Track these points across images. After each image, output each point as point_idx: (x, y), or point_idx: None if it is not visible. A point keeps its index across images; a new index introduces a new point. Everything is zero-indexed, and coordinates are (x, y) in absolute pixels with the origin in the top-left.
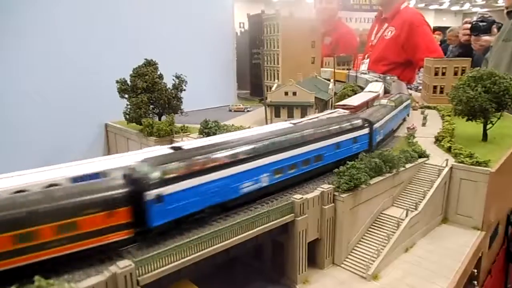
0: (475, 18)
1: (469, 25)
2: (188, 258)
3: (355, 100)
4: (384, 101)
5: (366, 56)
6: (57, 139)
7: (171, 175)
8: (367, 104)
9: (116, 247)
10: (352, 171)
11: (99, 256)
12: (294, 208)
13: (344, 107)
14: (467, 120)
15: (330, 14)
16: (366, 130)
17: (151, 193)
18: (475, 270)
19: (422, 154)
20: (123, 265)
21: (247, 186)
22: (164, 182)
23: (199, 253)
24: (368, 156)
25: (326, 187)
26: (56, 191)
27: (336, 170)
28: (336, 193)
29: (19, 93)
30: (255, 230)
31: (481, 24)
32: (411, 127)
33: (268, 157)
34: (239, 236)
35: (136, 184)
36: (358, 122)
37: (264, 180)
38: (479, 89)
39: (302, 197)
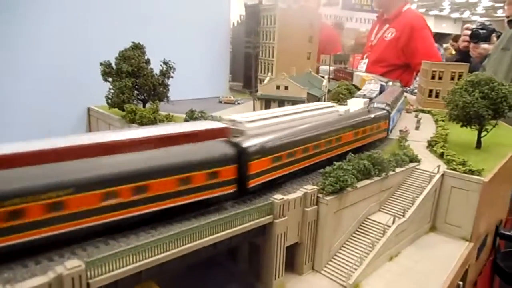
0: (475, 25)
1: (469, 32)
2: (149, 260)
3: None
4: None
5: (365, 56)
6: (37, 120)
7: (392, 109)
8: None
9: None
10: (339, 173)
11: (48, 254)
12: (274, 209)
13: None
14: (461, 126)
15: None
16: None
17: (390, 115)
18: (461, 283)
19: (414, 159)
20: (71, 265)
21: (395, 119)
22: (391, 111)
23: (162, 255)
24: (356, 157)
25: (309, 188)
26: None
27: (322, 170)
28: (320, 195)
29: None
30: (228, 231)
31: (481, 31)
32: (404, 130)
33: (396, 107)
34: (210, 237)
35: (387, 112)
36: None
37: (396, 117)
38: (476, 94)
39: (283, 198)
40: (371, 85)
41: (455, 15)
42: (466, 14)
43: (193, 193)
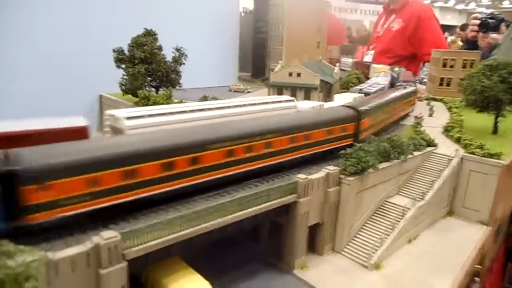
0: (483, 15)
1: (477, 21)
2: (181, 234)
3: None
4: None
5: (371, 47)
6: (49, 107)
7: None
8: None
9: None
10: (360, 154)
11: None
12: (298, 188)
13: None
14: (478, 111)
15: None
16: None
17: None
18: (479, 266)
19: (431, 143)
20: (108, 236)
21: None
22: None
23: (192, 229)
24: (376, 139)
25: (332, 168)
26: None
27: (342, 152)
28: (342, 176)
29: (14, 59)
30: (253, 209)
31: (490, 21)
32: (419, 116)
33: None
34: (236, 214)
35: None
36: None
37: None
38: (495, 78)
39: (307, 177)
40: (379, 78)
41: (460, 6)
42: (472, 5)
43: (333, 141)
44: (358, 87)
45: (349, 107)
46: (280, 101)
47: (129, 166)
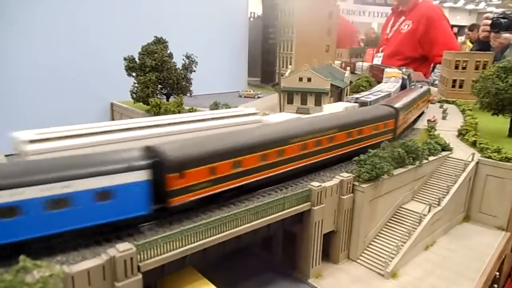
0: (495, 15)
1: (489, 21)
2: (196, 244)
3: None
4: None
5: (380, 49)
6: (60, 115)
7: None
8: None
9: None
10: (375, 160)
11: (96, 237)
12: (311, 196)
13: None
14: (493, 114)
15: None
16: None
17: None
18: (497, 273)
19: (446, 147)
20: (123, 248)
21: None
22: None
23: (207, 239)
24: (390, 145)
25: (345, 175)
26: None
27: (356, 158)
28: (356, 183)
29: (26, 67)
30: (268, 218)
31: (502, 20)
32: (432, 119)
33: None
34: (250, 224)
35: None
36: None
37: None
38: (509, 80)
39: (321, 185)
40: (386, 84)
41: (470, 6)
42: (481, 5)
43: (379, 136)
44: (356, 95)
45: (388, 105)
46: (243, 115)
47: (237, 157)
